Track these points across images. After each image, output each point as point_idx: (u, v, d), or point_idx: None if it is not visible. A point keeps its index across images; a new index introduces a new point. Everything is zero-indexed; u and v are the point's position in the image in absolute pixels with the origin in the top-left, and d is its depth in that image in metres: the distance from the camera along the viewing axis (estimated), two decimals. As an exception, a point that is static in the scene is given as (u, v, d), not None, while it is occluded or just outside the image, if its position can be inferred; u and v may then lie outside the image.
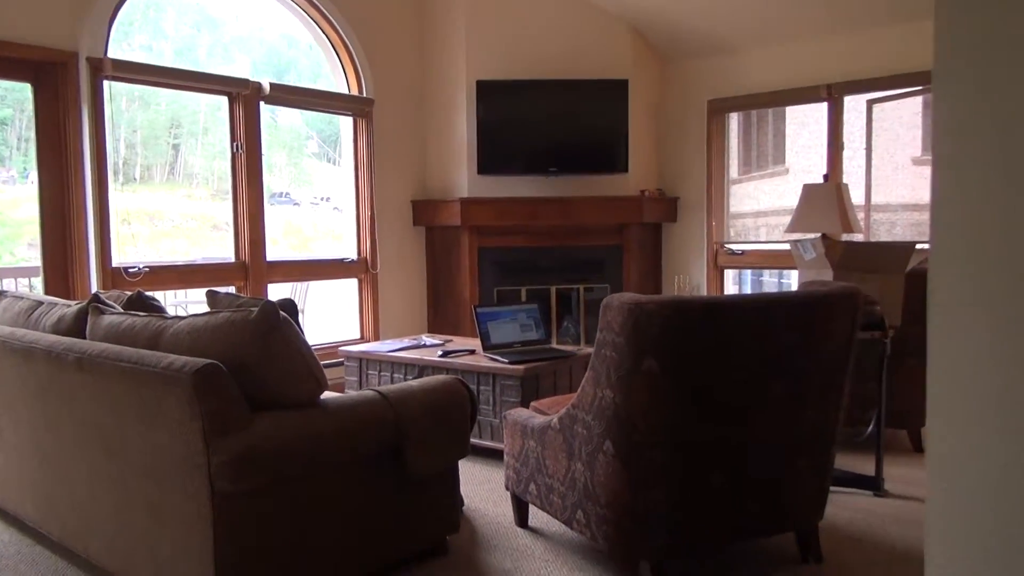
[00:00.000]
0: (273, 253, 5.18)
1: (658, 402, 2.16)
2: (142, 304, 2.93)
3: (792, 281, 7.06)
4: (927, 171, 5.38)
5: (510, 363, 3.55)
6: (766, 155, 6.39)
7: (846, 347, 2.40)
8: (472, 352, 3.90)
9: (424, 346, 4.19)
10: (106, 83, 4.31)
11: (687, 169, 6.12)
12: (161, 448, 2.10)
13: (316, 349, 5.38)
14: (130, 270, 4.43)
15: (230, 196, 4.97)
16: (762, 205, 6.10)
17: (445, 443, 2.50)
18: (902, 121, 5.41)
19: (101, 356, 2.26)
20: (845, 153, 5.49)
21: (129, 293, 3.05)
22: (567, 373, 3.74)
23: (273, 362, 2.13)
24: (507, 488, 2.87)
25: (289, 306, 2.47)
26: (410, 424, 2.37)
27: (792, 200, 5.50)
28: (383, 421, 2.32)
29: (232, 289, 5.02)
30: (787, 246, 5.53)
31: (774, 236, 6.02)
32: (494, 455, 3.68)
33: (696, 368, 2.18)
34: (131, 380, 2.14)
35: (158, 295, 6.32)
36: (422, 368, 3.89)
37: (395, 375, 4.03)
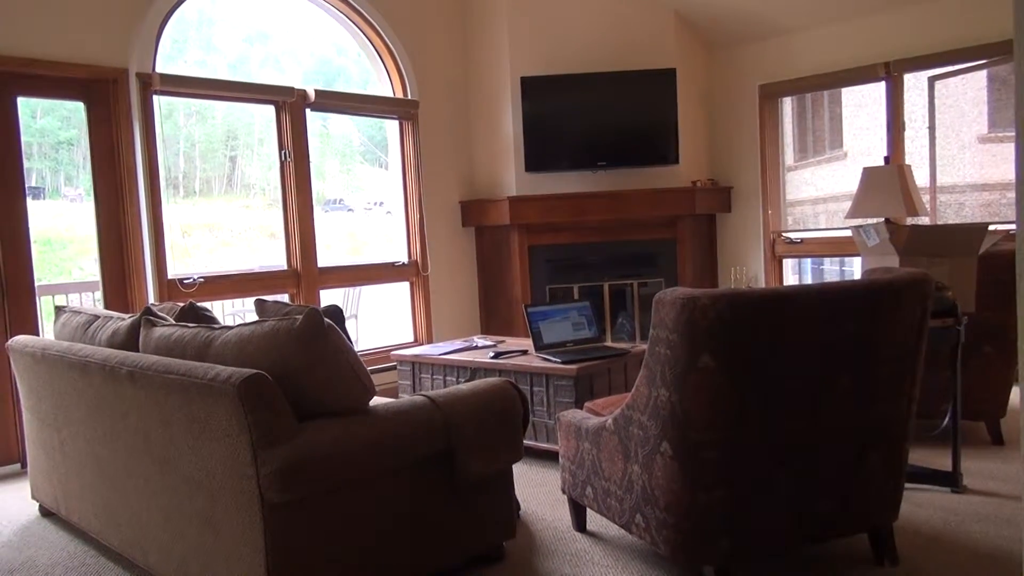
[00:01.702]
0: (328, 259, 5.21)
1: (716, 400, 2.07)
2: (194, 315, 2.94)
3: (855, 268, 6.82)
4: (996, 148, 5.11)
5: (563, 363, 3.48)
6: (822, 139, 6.18)
7: (916, 336, 2.27)
8: (524, 353, 3.84)
9: (476, 347, 4.15)
10: (156, 97, 4.38)
11: (740, 158, 5.96)
12: (211, 459, 2.09)
13: (369, 353, 5.39)
14: (185, 281, 4.49)
15: (280, 204, 5.00)
16: (820, 191, 5.90)
17: (497, 447, 2.44)
18: (967, 97, 5.16)
19: (152, 368, 2.26)
20: (906, 133, 5.26)
21: (182, 304, 3.08)
22: (622, 371, 3.65)
23: (319, 369, 2.10)
24: (563, 491, 2.80)
25: (335, 313, 2.44)
26: (460, 429, 2.32)
27: (852, 185, 5.30)
28: (432, 426, 2.28)
29: (285, 297, 5.06)
30: (849, 232, 5.32)
31: (834, 223, 5.82)
32: (550, 457, 3.61)
33: (755, 363, 2.07)
34: (180, 392, 2.14)
35: (215, 305, 6.45)
36: (474, 370, 3.84)
37: (447, 378, 4.00)
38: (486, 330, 6.09)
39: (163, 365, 2.24)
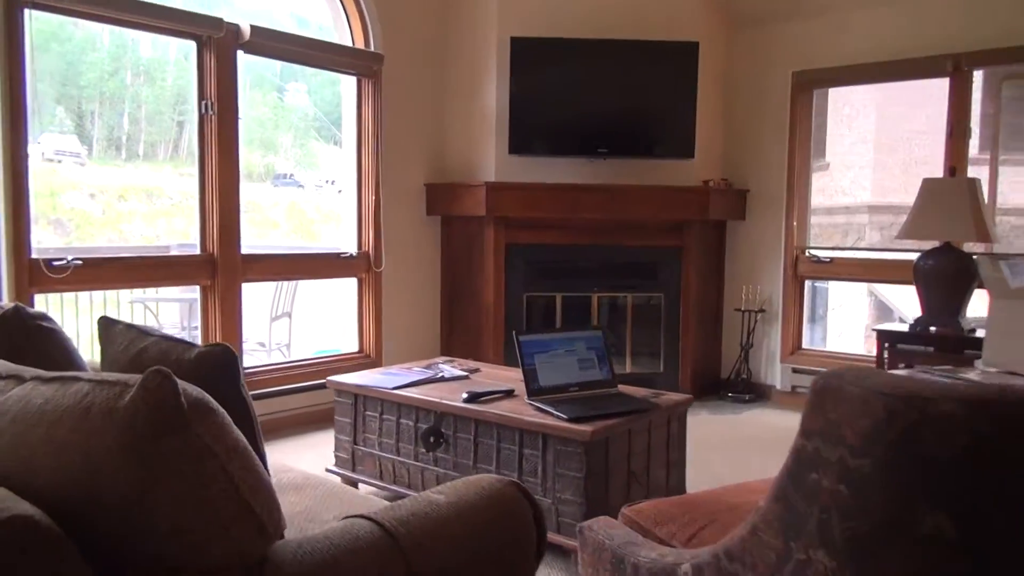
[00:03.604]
0: (256, 243, 4.11)
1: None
2: (19, 326, 1.87)
3: (893, 298, 5.96)
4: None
5: (570, 420, 2.47)
6: (865, 141, 5.29)
7: None
8: (510, 394, 2.83)
9: (442, 379, 3.12)
10: (28, 12, 3.22)
11: (762, 155, 5.02)
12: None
13: (302, 365, 4.30)
14: (54, 263, 3.35)
15: (196, 170, 3.88)
16: (856, 199, 5.01)
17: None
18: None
19: None
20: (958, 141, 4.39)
21: (7, 306, 1.97)
22: (645, 433, 2.66)
23: (169, 486, 1.05)
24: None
25: (222, 362, 1.38)
26: (435, 585, 1.29)
27: (898, 196, 4.42)
28: (386, 584, 1.24)
29: (196, 291, 3.95)
30: (894, 255, 4.46)
31: (873, 240, 4.94)
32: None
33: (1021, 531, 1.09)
34: None
35: (99, 298, 5.20)
36: (439, 415, 2.81)
37: (402, 420, 2.95)
38: (448, 343, 5.06)
39: None
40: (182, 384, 1.07)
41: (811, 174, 4.93)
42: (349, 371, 4.44)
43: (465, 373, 3.23)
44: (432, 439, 2.80)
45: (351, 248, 4.56)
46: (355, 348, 4.64)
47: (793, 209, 4.89)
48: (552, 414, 2.54)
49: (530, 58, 4.59)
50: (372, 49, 4.48)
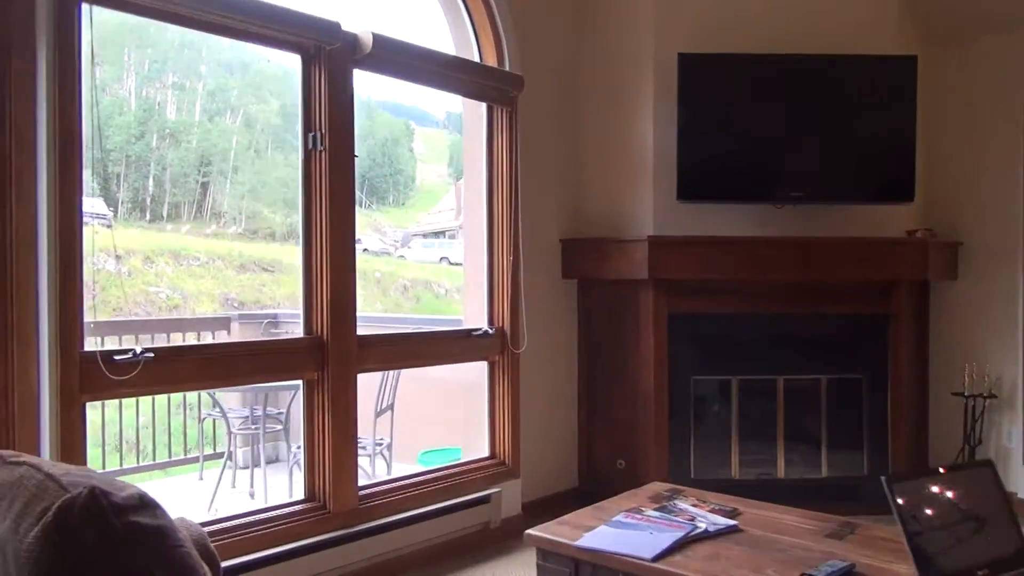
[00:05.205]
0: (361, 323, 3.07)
1: None
2: (98, 534, 0.84)
3: None
4: None
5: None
6: None
7: None
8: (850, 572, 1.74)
9: (707, 533, 2.04)
10: (85, 6, 2.28)
11: (979, 200, 4.02)
12: None
13: (427, 481, 3.22)
14: (116, 357, 2.33)
15: (301, 231, 2.86)
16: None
17: None
18: None
19: None
20: None
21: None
22: None
23: None
24: None
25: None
26: None
27: None
28: None
29: (300, 388, 2.92)
30: None
31: None
32: None
33: None
34: None
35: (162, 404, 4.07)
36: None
37: (663, 604, 1.87)
38: (588, 444, 3.99)
39: None
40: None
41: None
42: (484, 484, 3.39)
43: (729, 523, 2.15)
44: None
45: (482, 323, 3.52)
46: (485, 453, 3.56)
47: (1033, 266, 3.85)
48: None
49: (702, 80, 3.63)
50: (508, 69, 3.52)
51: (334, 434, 2.88)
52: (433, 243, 16.78)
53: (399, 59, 3.04)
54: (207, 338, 4.77)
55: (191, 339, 4.71)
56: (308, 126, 2.84)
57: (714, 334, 3.83)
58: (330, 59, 2.83)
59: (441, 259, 15.72)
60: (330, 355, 2.85)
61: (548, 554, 2.09)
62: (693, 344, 3.81)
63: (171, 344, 2.58)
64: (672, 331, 3.76)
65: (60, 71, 2.19)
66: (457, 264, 16.46)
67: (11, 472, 1.25)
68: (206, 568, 1.18)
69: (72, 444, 2.26)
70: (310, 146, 2.84)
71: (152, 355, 2.39)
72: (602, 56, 3.95)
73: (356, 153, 2.93)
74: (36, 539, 1.06)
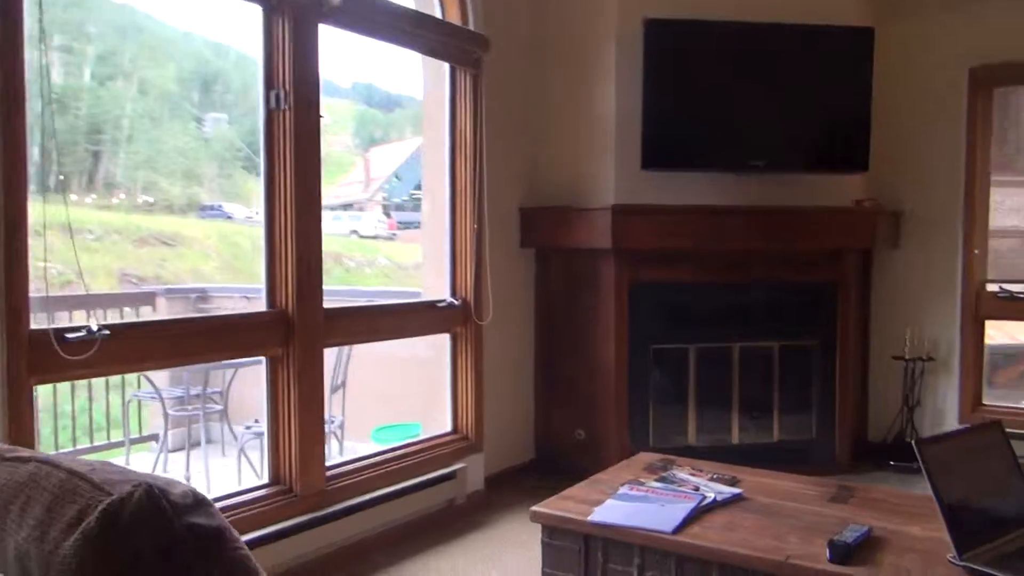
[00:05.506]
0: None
1: None
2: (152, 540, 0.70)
3: None
4: None
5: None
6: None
7: None
8: (868, 535, 1.74)
9: (715, 502, 2.02)
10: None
11: (922, 170, 4.14)
12: None
13: (390, 460, 3.09)
14: (69, 336, 2.10)
15: (264, 197, 2.66)
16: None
17: None
18: None
19: None
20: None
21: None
22: None
23: None
24: None
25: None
26: None
27: None
28: None
29: (262, 365, 2.73)
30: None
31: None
32: None
33: None
34: None
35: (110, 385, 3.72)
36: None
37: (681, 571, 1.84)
38: (547, 416, 3.93)
39: None
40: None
41: (990, 192, 4.07)
42: (448, 460, 3.29)
43: (734, 491, 2.13)
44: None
45: (445, 294, 3.40)
46: (447, 428, 3.46)
47: (972, 234, 4.00)
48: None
49: (668, 46, 3.58)
50: (473, 28, 3.37)
51: (300, 413, 2.71)
52: (342, 215, 16.30)
53: (368, 14, 2.84)
54: (130, 316, 4.45)
55: (112, 317, 4.37)
56: (270, 83, 2.63)
57: (673, 303, 3.83)
58: (295, 11, 2.62)
59: (351, 232, 15.30)
60: (296, 330, 2.67)
61: (555, 531, 2.02)
62: (652, 313, 3.80)
63: (126, 320, 2.34)
64: (631, 300, 3.74)
65: None
66: (368, 237, 16.00)
67: (15, 470, 1.07)
68: (264, 572, 1.05)
69: (21, 431, 2.02)
70: (272, 105, 2.62)
71: (108, 332, 2.17)
72: (567, 19, 3.84)
73: (322, 114, 2.73)
74: (75, 548, 0.90)
